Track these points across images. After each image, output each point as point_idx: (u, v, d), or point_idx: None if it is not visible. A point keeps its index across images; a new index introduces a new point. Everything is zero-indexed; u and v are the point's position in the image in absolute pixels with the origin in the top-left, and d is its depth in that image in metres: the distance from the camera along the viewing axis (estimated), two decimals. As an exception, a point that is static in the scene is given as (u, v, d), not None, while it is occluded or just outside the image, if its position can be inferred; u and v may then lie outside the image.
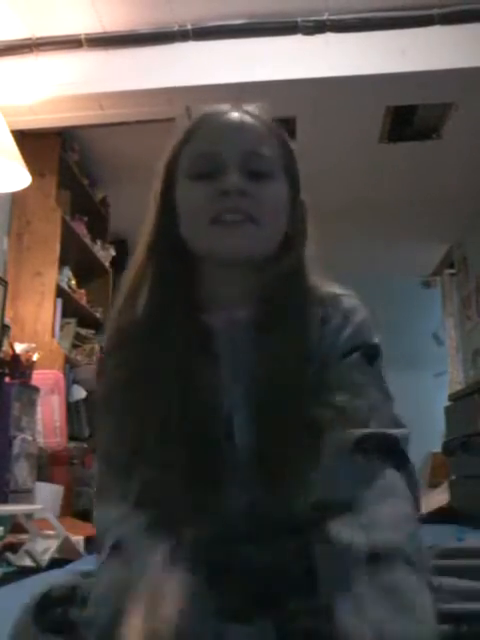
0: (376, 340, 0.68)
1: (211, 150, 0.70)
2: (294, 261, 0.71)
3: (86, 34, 2.45)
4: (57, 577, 0.64)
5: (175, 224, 0.70)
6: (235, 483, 0.63)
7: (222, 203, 0.66)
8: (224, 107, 0.74)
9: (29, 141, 2.67)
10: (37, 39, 2.45)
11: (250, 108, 0.74)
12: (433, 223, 4.26)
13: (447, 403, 3.78)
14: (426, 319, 5.36)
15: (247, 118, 0.72)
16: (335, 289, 0.72)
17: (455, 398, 3.69)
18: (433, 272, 5.20)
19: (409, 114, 3.05)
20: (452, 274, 4.81)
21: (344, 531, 0.53)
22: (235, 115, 0.73)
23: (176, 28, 2.45)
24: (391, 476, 0.59)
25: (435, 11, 2.45)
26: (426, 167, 3.55)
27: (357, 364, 0.66)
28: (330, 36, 2.47)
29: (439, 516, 3.23)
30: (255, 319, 0.68)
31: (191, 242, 0.69)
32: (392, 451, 0.60)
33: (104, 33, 2.46)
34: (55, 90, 2.48)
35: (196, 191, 0.68)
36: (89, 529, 2.22)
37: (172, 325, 0.68)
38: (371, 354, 0.67)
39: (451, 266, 4.80)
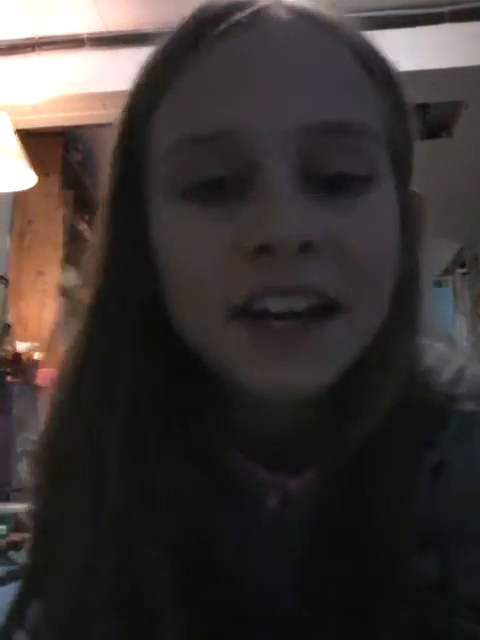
0: None
1: (225, 126, 0.30)
2: (408, 351, 0.36)
3: (89, 33, 2.42)
4: None
5: (148, 283, 0.35)
6: None
7: (262, 275, 0.29)
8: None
9: (32, 141, 2.65)
10: (39, 38, 2.43)
11: (300, 1, 0.33)
12: (444, 222, 4.20)
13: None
14: (438, 318, 5.31)
15: (303, 28, 0.32)
16: (459, 382, 0.38)
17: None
18: (445, 271, 5.16)
19: (420, 112, 3.00)
20: (464, 273, 4.78)
21: None
22: (279, 21, 0.31)
23: (179, 27, 2.43)
24: None
25: (446, 8, 2.40)
26: (437, 166, 3.50)
27: None
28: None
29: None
30: (328, 485, 0.37)
31: (192, 344, 0.35)
32: None
33: (107, 32, 2.43)
34: (58, 89, 2.46)
35: (192, 239, 0.31)
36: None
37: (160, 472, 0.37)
38: None
39: (463, 265, 4.77)
